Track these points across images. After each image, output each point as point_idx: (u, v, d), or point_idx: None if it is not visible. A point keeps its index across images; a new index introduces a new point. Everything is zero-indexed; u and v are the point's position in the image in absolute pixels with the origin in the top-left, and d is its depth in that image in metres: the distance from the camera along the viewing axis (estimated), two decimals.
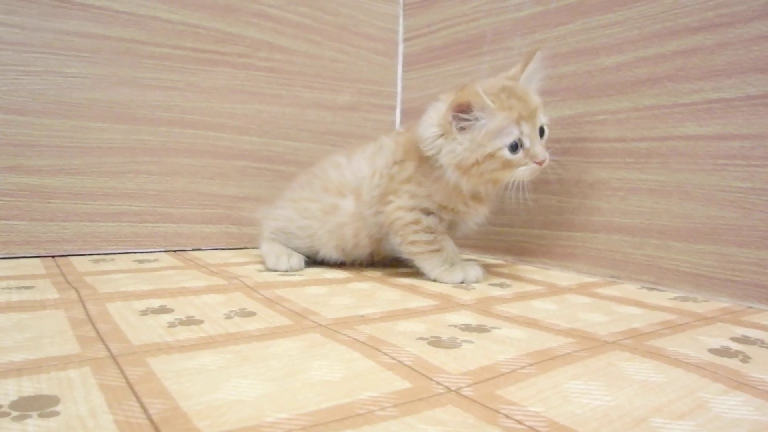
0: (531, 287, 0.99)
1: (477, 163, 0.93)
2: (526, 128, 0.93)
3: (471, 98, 0.92)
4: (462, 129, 0.94)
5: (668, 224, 1.01)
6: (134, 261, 1.14)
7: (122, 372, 0.51)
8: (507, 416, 0.45)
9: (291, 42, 1.46)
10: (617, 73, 1.10)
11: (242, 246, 1.40)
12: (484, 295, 0.91)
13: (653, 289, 1.01)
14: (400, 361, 0.57)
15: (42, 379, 0.49)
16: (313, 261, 1.17)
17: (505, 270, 1.17)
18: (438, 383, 0.51)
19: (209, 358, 0.56)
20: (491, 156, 0.93)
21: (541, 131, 0.96)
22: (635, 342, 0.66)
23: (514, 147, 0.93)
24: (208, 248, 1.36)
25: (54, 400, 0.45)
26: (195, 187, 1.34)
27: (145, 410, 0.43)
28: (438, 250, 1.03)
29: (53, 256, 1.16)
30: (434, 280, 1.02)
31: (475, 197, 1.01)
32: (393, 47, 1.67)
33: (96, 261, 1.12)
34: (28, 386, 0.47)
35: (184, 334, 0.64)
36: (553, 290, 0.97)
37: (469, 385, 0.51)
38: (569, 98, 1.18)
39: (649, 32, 1.05)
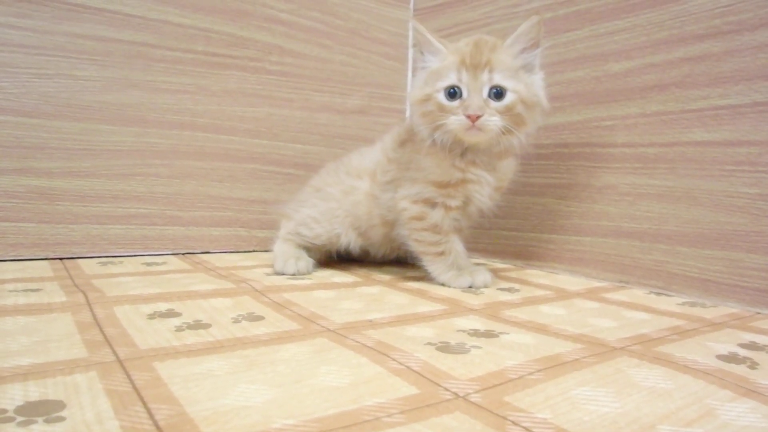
0: (539, 292, 0.99)
1: (420, 101, 0.96)
2: (465, 76, 0.92)
3: (418, 38, 0.95)
4: (423, 68, 0.97)
5: (676, 229, 1.01)
6: (142, 264, 1.14)
7: (129, 377, 0.51)
8: (515, 423, 0.45)
9: (302, 46, 1.46)
10: (625, 79, 1.09)
11: (251, 249, 1.40)
12: (493, 300, 0.90)
13: (661, 294, 1.01)
14: (408, 367, 0.56)
15: (48, 383, 0.49)
16: (333, 259, 1.19)
17: (513, 274, 1.17)
18: (446, 389, 0.51)
19: (216, 363, 0.56)
20: (429, 97, 0.94)
21: (498, 93, 0.92)
22: (643, 348, 0.66)
23: (452, 93, 0.93)
24: (217, 251, 1.36)
25: (60, 405, 0.45)
26: (204, 189, 1.34)
27: (151, 416, 0.43)
28: (443, 253, 1.02)
29: (61, 259, 1.16)
30: (442, 285, 1.02)
31: (465, 158, 0.98)
32: (403, 52, 1.68)
33: (104, 264, 1.13)
34: (34, 391, 0.47)
35: (191, 338, 0.64)
36: (562, 295, 0.97)
37: (477, 392, 0.51)
38: (578, 103, 1.18)
39: (656, 39, 1.05)
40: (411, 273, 1.12)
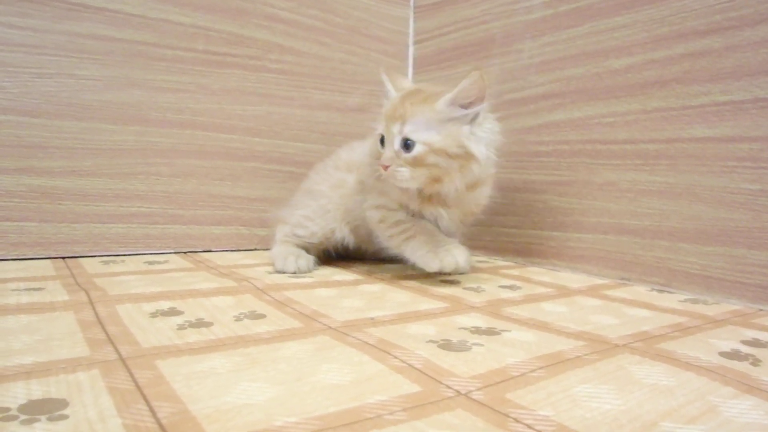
0: (541, 289, 0.99)
1: (372, 143, 1.00)
2: (384, 128, 0.96)
3: (383, 79, 1.01)
4: None
5: (678, 226, 1.01)
6: (144, 262, 1.14)
7: (131, 375, 0.51)
8: (516, 420, 0.45)
9: (302, 44, 1.46)
10: (626, 76, 1.09)
11: (252, 247, 1.40)
12: (494, 297, 0.90)
13: (663, 291, 1.01)
14: (410, 365, 0.56)
15: (51, 382, 0.49)
16: (330, 258, 1.19)
17: (514, 272, 1.17)
18: (448, 387, 0.51)
19: (218, 360, 0.56)
20: (374, 141, 0.99)
21: (407, 145, 0.93)
22: (645, 345, 0.66)
23: (382, 141, 0.97)
24: (218, 250, 1.36)
25: (63, 403, 0.45)
26: (205, 188, 1.34)
27: (153, 414, 0.44)
28: (412, 237, 1.02)
29: (63, 258, 1.16)
30: (418, 267, 1.01)
31: (421, 195, 1.00)
32: (403, 49, 1.68)
33: (106, 262, 1.13)
34: (36, 389, 0.47)
35: (193, 336, 0.64)
36: (563, 292, 0.97)
37: (478, 389, 0.51)
38: (578, 100, 1.18)
39: (657, 35, 1.04)
40: (412, 271, 1.12)
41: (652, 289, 1.02)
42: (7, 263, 1.08)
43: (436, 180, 0.95)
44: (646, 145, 1.06)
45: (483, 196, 1.06)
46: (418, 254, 1.00)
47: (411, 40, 1.68)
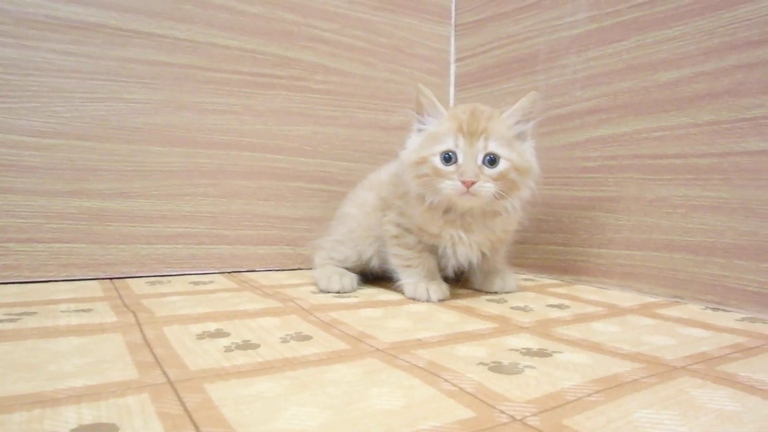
0: (590, 308, 0.97)
1: (415, 163, 0.97)
2: (461, 143, 0.94)
3: (423, 102, 0.99)
4: (420, 130, 1.00)
5: (733, 242, 0.98)
6: (190, 283, 1.15)
7: (180, 399, 0.51)
8: None
9: (346, 64, 1.47)
10: (675, 89, 1.07)
11: (296, 267, 1.40)
12: (543, 317, 0.89)
13: (718, 309, 0.98)
14: (461, 388, 0.55)
15: (101, 406, 0.49)
16: (368, 279, 1.18)
17: (562, 290, 1.15)
18: (502, 412, 0.50)
19: (266, 384, 0.55)
20: (425, 160, 0.96)
21: (492, 160, 0.94)
22: (706, 367, 0.64)
23: (448, 158, 0.94)
24: (263, 269, 1.36)
25: (113, 428, 0.45)
26: (251, 208, 1.35)
27: None
28: (411, 266, 1.06)
29: (111, 278, 1.18)
30: (406, 296, 1.04)
31: (446, 217, 1.00)
32: (445, 67, 1.67)
33: (152, 283, 1.14)
34: (87, 414, 0.47)
35: (240, 359, 0.64)
36: (614, 311, 0.94)
37: (534, 414, 0.49)
38: (626, 114, 1.16)
39: (707, 47, 1.02)
40: (459, 290, 1.11)
41: (707, 308, 0.99)
42: (58, 284, 1.10)
43: (501, 197, 0.95)
44: (698, 160, 1.03)
45: (511, 221, 1.06)
46: (407, 281, 1.06)
47: (452, 58, 1.68)
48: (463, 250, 1.04)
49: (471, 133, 0.94)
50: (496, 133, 0.95)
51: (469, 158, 0.93)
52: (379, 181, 1.16)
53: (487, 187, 0.93)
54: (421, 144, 0.98)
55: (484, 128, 0.94)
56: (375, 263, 1.15)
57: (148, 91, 1.22)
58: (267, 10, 1.35)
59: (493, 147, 0.94)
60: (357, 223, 1.15)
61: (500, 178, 0.94)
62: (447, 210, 1.00)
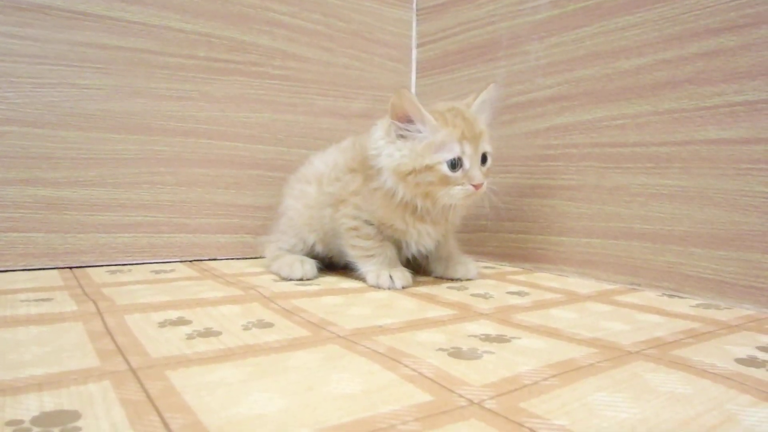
0: (550, 295, 0.98)
1: (414, 171, 0.96)
2: (467, 149, 0.96)
3: (408, 108, 0.95)
4: (402, 136, 0.98)
5: (690, 230, 1.00)
6: (151, 272, 1.14)
7: (142, 386, 0.51)
8: (531, 430, 0.44)
9: (304, 50, 1.46)
10: (636, 77, 1.08)
11: (258, 255, 1.39)
12: (503, 304, 0.90)
13: (674, 296, 1.00)
14: (420, 373, 0.56)
15: (63, 393, 0.49)
16: (330, 267, 1.19)
17: (522, 278, 1.16)
18: (460, 396, 0.50)
19: (229, 371, 0.56)
20: (429, 168, 0.96)
21: (484, 158, 1.00)
22: (659, 352, 0.65)
23: (454, 165, 0.96)
24: (224, 258, 1.36)
25: (75, 415, 0.44)
26: (210, 197, 1.34)
27: (166, 425, 0.43)
28: (373, 256, 1.06)
29: (70, 268, 1.16)
30: (368, 283, 1.05)
31: (415, 214, 1.02)
32: (406, 53, 1.67)
33: (113, 272, 1.12)
34: (49, 401, 0.47)
35: (202, 346, 0.64)
36: (573, 298, 0.96)
37: (491, 398, 0.50)
38: (587, 102, 1.17)
39: (669, 34, 1.03)
40: (420, 278, 1.11)
41: (663, 295, 1.01)
42: (16, 274, 1.08)
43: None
44: (658, 148, 1.05)
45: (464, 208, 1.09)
46: (368, 269, 1.06)
47: (414, 44, 1.68)
48: (426, 242, 1.08)
49: (473, 138, 0.97)
50: (485, 132, 1.00)
51: (475, 163, 0.97)
52: (319, 174, 1.15)
53: (485, 184, 0.99)
54: (419, 152, 0.96)
55: (480, 131, 0.99)
56: (319, 249, 1.16)
57: (100, 75, 1.19)
58: None
59: (485, 146, 0.99)
60: (297, 212, 1.16)
61: (488, 172, 1.01)
62: (415, 210, 1.01)
